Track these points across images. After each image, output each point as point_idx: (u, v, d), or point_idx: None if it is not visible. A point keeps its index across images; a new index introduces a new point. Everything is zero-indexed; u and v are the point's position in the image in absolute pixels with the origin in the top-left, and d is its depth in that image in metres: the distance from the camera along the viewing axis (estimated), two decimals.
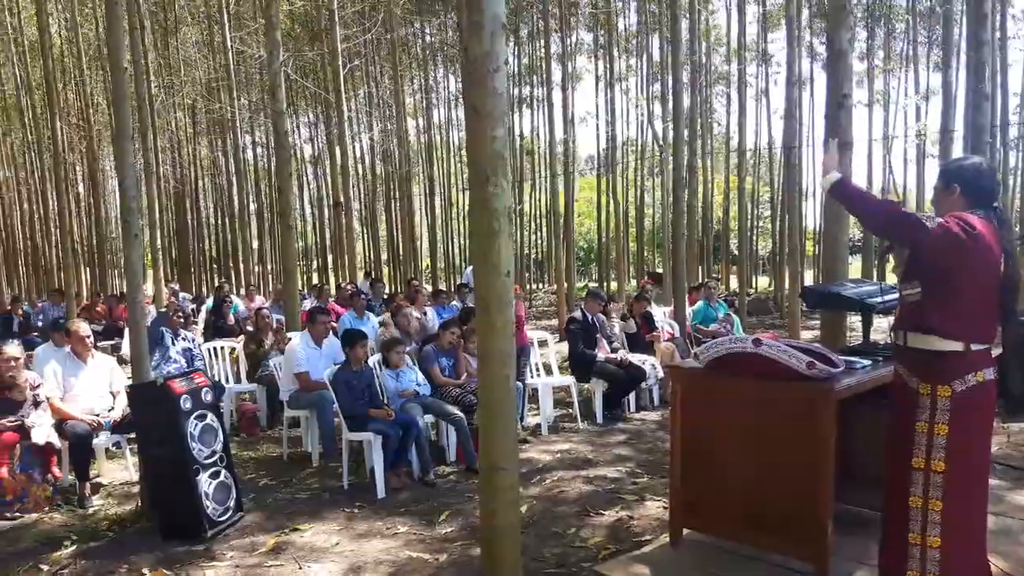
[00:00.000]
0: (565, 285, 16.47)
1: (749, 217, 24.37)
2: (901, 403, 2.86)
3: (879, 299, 3.97)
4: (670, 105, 12.69)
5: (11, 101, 20.51)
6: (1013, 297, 2.74)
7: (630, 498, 4.96)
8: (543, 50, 18.28)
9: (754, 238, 29.22)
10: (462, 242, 28.30)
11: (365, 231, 27.32)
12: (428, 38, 24.70)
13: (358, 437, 5.46)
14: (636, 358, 7.77)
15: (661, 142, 17.43)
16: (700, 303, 9.92)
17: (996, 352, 2.82)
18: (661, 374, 7.85)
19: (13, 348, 5.37)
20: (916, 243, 2.72)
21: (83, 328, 5.88)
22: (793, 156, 12.96)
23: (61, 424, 5.37)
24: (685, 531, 3.88)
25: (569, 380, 7.65)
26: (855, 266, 20.43)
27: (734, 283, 24.45)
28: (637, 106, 25.10)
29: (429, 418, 5.97)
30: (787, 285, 15.41)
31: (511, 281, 3.23)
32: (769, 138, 24.42)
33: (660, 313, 9.69)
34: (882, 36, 23.14)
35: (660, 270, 19.75)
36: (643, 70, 23.86)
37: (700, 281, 12.79)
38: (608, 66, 23.20)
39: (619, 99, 24.78)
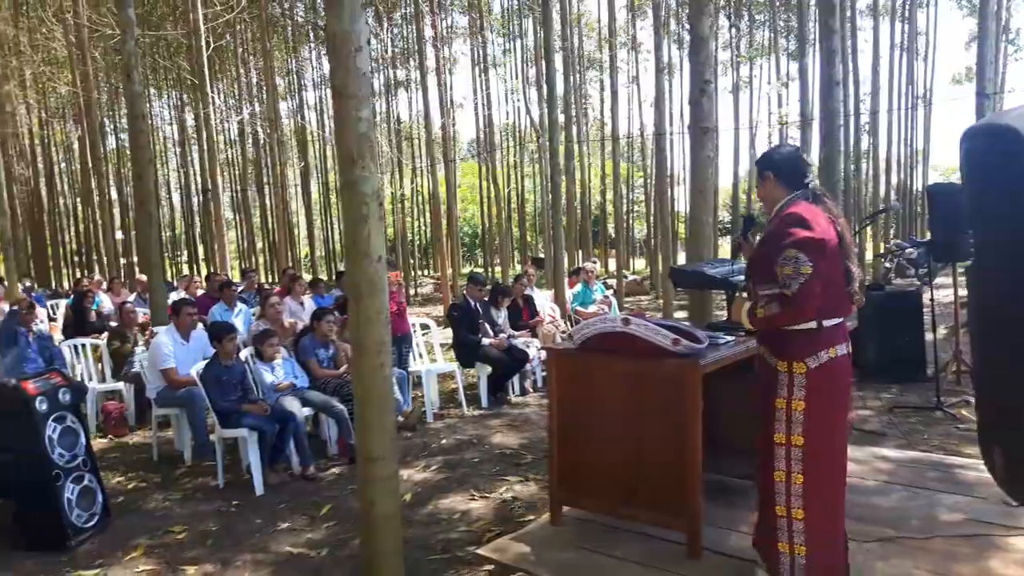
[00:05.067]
0: (450, 271, 16.45)
1: (625, 202, 25.06)
2: (763, 379, 2.97)
3: (742, 277, 4.15)
4: (545, 90, 12.86)
5: None
6: (851, 266, 2.90)
7: (514, 480, 5.01)
8: (415, 33, 18.07)
9: (630, 222, 30.10)
10: (344, 228, 27.65)
11: (238, 218, 26.28)
12: (297, 17, 23.91)
13: (232, 434, 5.25)
14: (520, 340, 7.85)
15: (538, 127, 17.64)
16: (579, 286, 10.15)
17: (852, 326, 2.98)
18: (544, 356, 7.98)
19: None
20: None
21: None
22: (663, 142, 13.39)
23: None
24: (566, 508, 3.96)
25: (453, 366, 7.65)
26: (725, 248, 21.43)
27: (613, 266, 25.16)
28: (513, 92, 25.26)
29: (308, 411, 5.82)
30: (661, 267, 15.98)
31: (383, 266, 3.18)
32: (641, 124, 25.21)
33: (542, 297, 9.84)
34: (745, 27, 24.24)
35: (542, 255, 20.06)
36: (517, 55, 24.02)
37: (580, 265, 13.09)
38: (482, 50, 23.20)
39: (495, 84, 24.87)
